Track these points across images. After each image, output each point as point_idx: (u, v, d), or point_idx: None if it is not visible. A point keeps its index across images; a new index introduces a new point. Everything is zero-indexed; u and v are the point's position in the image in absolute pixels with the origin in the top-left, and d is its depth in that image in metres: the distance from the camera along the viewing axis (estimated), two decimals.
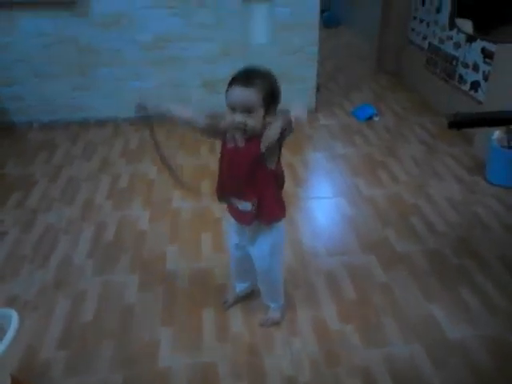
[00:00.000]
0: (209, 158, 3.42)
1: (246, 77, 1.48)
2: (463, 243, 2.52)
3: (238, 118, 1.47)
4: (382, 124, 3.97)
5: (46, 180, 3.20)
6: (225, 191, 1.70)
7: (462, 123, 1.62)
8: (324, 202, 2.96)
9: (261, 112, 1.48)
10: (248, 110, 1.46)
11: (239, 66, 1.53)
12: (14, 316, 1.40)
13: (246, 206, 1.65)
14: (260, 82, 1.46)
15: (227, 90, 1.49)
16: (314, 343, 1.93)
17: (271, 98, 1.50)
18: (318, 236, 2.62)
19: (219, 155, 1.67)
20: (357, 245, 2.52)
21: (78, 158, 3.50)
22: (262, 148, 1.48)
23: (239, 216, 1.73)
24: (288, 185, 3.34)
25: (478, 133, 3.35)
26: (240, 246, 1.86)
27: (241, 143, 1.55)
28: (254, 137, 1.52)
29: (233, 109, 1.47)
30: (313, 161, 3.47)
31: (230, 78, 1.50)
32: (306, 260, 2.41)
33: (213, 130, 1.65)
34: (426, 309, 2.09)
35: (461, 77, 3.80)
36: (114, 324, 2.05)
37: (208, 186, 2.92)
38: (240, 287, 2.10)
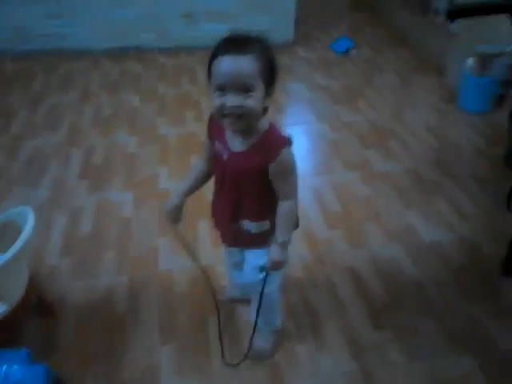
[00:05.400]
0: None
1: (238, 41, 1.04)
2: (438, 163, 2.69)
3: (232, 100, 1.03)
4: (360, 57, 4.05)
5: (27, 109, 3.17)
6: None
7: (460, 12, 1.68)
8: (306, 127, 3.06)
9: (261, 90, 1.06)
10: (245, 87, 1.03)
11: None
12: (30, 213, 1.47)
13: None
14: (258, 48, 1.04)
15: (211, 64, 1.05)
16: (303, 247, 2.09)
17: (271, 72, 1.09)
18: (302, 158, 2.73)
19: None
20: (340, 165, 2.66)
21: (57, 89, 3.45)
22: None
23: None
24: (270, 112, 3.44)
25: (452, 63, 3.48)
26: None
27: (232, 145, 1.19)
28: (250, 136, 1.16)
29: (222, 89, 1.03)
30: (293, 90, 3.53)
31: (213, 49, 1.06)
32: None
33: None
34: (404, 216, 2.27)
35: (437, 10, 3.87)
36: (113, 234, 2.14)
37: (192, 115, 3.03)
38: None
